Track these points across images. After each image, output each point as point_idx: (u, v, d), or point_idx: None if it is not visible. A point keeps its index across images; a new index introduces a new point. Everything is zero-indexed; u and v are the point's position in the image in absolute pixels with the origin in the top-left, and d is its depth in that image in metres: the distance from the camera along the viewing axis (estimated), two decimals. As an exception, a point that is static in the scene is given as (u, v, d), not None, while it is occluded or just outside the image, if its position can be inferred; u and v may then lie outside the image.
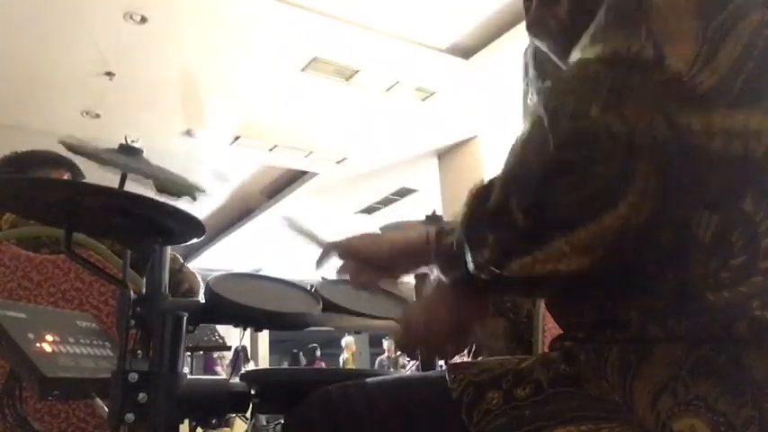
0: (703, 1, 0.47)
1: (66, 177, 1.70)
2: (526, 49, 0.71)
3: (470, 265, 0.59)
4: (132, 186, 0.81)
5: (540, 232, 0.52)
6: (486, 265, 0.57)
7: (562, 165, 0.50)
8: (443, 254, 0.66)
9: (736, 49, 0.45)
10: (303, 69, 4.63)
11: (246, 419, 1.03)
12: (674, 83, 0.46)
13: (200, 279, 1.82)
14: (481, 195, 0.58)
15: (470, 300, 0.68)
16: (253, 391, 0.88)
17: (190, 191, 0.88)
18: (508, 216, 0.53)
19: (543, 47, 0.63)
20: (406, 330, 0.74)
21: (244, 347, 8.05)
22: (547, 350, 0.66)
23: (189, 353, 3.57)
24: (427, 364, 1.13)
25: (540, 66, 0.66)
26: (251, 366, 7.12)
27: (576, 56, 0.53)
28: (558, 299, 0.66)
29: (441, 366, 1.17)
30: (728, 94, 0.46)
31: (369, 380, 0.71)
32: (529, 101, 0.71)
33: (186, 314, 0.82)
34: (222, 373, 7.71)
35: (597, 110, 0.47)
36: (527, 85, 0.72)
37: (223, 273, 0.98)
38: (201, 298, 0.91)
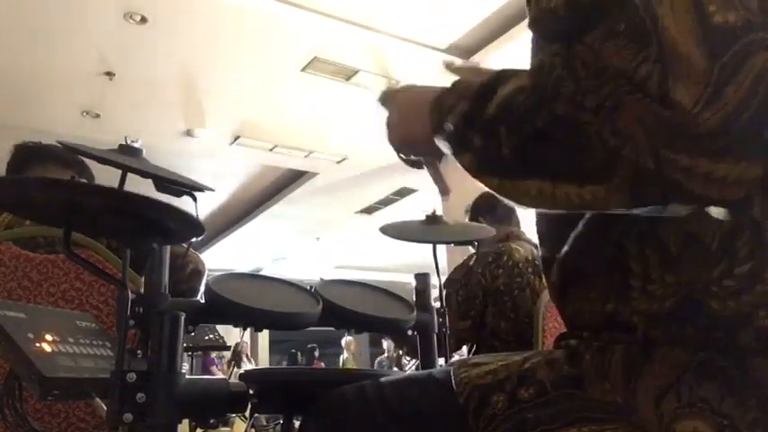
0: (713, 36, 0.45)
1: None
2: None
3: (449, 144, 0.62)
4: (132, 186, 0.81)
5: (517, 167, 0.55)
6: (463, 163, 0.60)
7: (549, 133, 0.51)
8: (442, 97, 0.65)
9: (739, 91, 0.44)
10: (303, 69, 4.63)
11: (246, 419, 1.03)
12: (674, 118, 0.45)
13: (203, 260, 1.80)
14: (483, 98, 0.58)
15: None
16: (251, 391, 0.88)
17: (190, 191, 0.88)
18: (496, 136, 0.55)
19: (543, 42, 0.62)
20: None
21: (244, 343, 8.05)
22: (552, 346, 0.66)
23: (188, 353, 3.57)
24: (426, 362, 1.12)
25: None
26: (250, 366, 7.13)
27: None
28: (562, 300, 0.65)
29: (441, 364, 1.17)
30: (723, 138, 0.45)
31: (383, 379, 0.71)
32: None
33: (184, 314, 0.82)
34: (219, 373, 7.71)
35: (593, 104, 0.48)
36: None
37: (223, 273, 0.98)
38: (201, 298, 0.91)
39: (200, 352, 5.31)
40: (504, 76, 0.57)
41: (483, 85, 0.59)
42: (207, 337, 3.15)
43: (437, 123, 0.64)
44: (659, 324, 0.53)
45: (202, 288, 1.65)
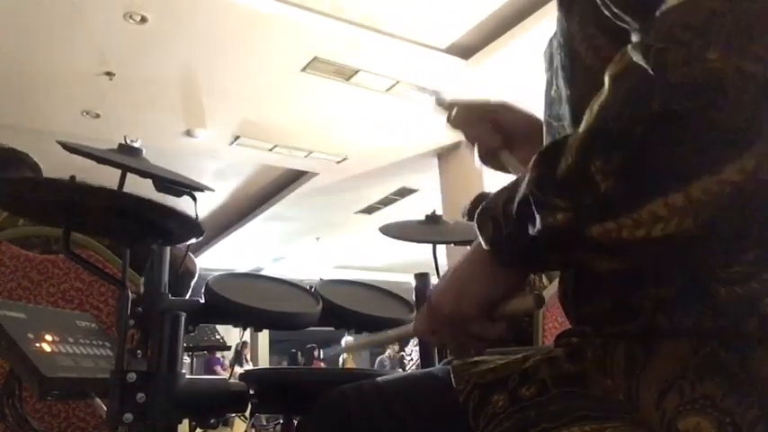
0: None
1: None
2: (551, 40, 0.68)
3: (536, 228, 0.52)
4: (132, 186, 0.81)
5: (631, 195, 0.46)
6: (558, 230, 0.50)
7: (673, 115, 0.43)
8: (490, 214, 0.58)
9: None
10: (303, 69, 4.63)
11: (246, 419, 1.03)
12: None
13: (196, 262, 1.81)
14: (549, 158, 0.52)
15: (507, 269, 0.60)
16: (252, 391, 0.88)
17: (190, 191, 0.88)
18: (587, 180, 0.47)
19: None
20: (430, 309, 0.65)
21: (245, 343, 8.02)
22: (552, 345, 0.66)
23: (189, 353, 3.57)
24: (426, 361, 1.12)
25: (568, 48, 0.61)
26: (248, 367, 7.12)
27: None
28: (575, 292, 0.64)
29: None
30: None
31: (381, 379, 0.71)
32: (553, 92, 0.68)
33: (184, 314, 0.82)
34: (223, 373, 7.70)
35: (718, 52, 0.42)
36: (551, 76, 0.68)
37: (223, 273, 0.98)
38: (201, 298, 0.91)
39: (204, 352, 5.31)
40: (557, 141, 0.52)
41: (540, 155, 0.52)
42: (206, 338, 3.15)
43: (492, 229, 0.57)
44: (666, 309, 0.53)
45: (193, 288, 1.66)
